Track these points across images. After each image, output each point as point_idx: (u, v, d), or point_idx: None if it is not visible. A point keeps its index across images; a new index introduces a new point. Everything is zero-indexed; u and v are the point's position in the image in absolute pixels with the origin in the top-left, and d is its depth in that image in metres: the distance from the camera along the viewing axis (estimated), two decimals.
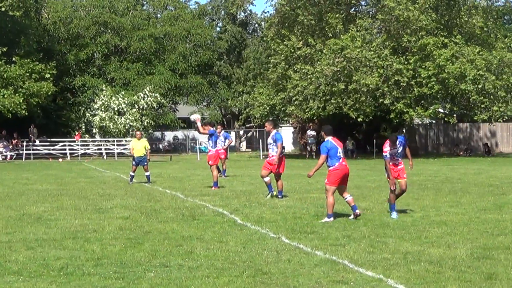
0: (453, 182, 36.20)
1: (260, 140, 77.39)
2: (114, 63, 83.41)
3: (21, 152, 70.59)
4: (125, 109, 73.98)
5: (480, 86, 64.05)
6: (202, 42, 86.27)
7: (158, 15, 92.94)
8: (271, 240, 17.41)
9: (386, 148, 21.16)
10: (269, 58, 73.52)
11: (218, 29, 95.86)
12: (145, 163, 36.32)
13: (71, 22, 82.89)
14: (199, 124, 32.13)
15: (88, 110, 77.80)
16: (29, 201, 26.68)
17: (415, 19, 64.34)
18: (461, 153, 74.62)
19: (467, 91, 64.50)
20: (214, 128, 33.75)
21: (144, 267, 13.98)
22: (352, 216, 20.96)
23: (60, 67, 75.04)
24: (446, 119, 73.65)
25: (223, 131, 36.36)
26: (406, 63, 65.43)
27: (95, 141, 76.61)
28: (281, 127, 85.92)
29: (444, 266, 13.94)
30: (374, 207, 24.00)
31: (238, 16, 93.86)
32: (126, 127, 73.25)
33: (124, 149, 72.17)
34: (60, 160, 68.43)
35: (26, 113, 67.05)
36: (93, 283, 12.64)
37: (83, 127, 78.55)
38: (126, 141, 71.18)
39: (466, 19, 67.77)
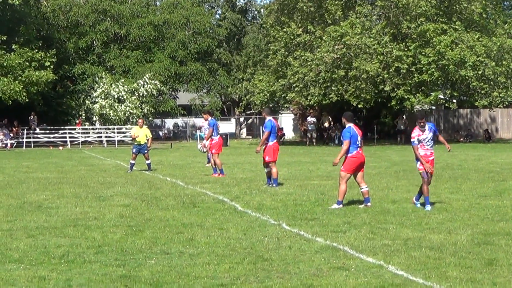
0: (453, 168, 36.22)
1: (261, 127, 76.77)
2: (114, 51, 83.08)
3: (21, 140, 70.46)
4: (125, 97, 73.69)
5: (480, 72, 64.11)
6: (202, 30, 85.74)
7: (157, 3, 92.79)
8: (271, 227, 17.43)
9: (415, 133, 20.66)
10: (269, 45, 73.49)
11: (217, 16, 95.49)
12: (146, 151, 36.29)
13: (71, 10, 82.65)
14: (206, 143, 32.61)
15: (88, 97, 77.56)
16: (30, 189, 26.73)
17: (415, 5, 64.33)
18: (461, 139, 74.56)
19: (467, 77, 64.53)
20: (213, 117, 33.51)
21: (145, 254, 13.99)
22: (362, 205, 20.98)
23: (60, 55, 74.73)
24: (446, 105, 73.74)
25: (210, 119, 35.78)
26: (406, 49, 65.38)
27: (95, 128, 76.52)
28: (281, 113, 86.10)
29: (444, 252, 13.95)
30: (375, 193, 23.95)
31: (238, 3, 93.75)
32: (126, 115, 72.99)
33: (124, 136, 72.48)
34: (61, 148, 68.41)
35: (27, 100, 67.03)
36: (94, 270, 12.64)
37: (83, 115, 78.32)
38: (126, 128, 71.22)
39: (466, 5, 67.50)
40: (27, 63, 66.96)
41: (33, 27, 73.79)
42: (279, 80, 68.67)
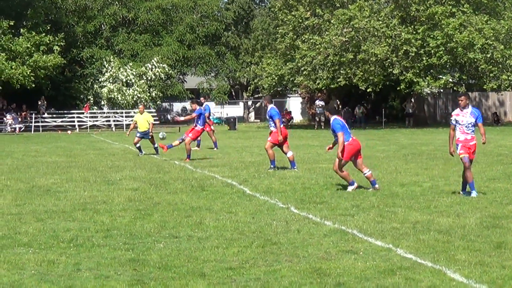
0: None
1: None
2: (122, 35, 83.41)
3: (30, 124, 70.59)
4: (133, 81, 73.84)
5: (488, 55, 64.04)
6: (210, 13, 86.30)
7: None
8: (280, 211, 17.43)
9: (454, 112, 20.01)
10: (277, 28, 73.56)
11: (225, 0, 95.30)
12: (149, 137, 36.21)
13: None
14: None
15: (96, 82, 77.73)
16: (39, 174, 26.77)
17: None
18: None
19: (475, 60, 64.46)
20: (201, 107, 32.89)
21: (154, 238, 14.00)
22: (371, 189, 20.94)
23: (68, 39, 74.99)
24: (454, 88, 73.51)
25: (205, 103, 35.37)
26: (414, 32, 65.31)
27: (103, 113, 76.56)
28: (289, 97, 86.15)
29: (453, 235, 13.93)
30: (383, 177, 24.00)
31: None
32: (134, 99, 73.00)
33: (131, 121, 72.05)
34: (69, 132, 68.56)
35: (33, 85, 67.10)
36: (102, 254, 12.63)
37: (91, 99, 78.51)
38: (134, 112, 70.86)
39: None
40: (35, 48, 66.97)
41: (41, 11, 73.95)
42: (287, 64, 68.87)
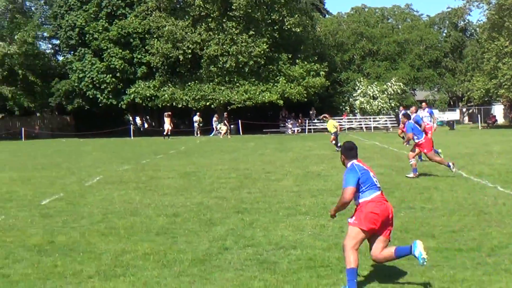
0: None
1: (478, 116, 78.46)
2: (369, 62, 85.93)
3: (304, 127, 72.34)
4: (377, 95, 75.02)
5: None
6: (432, 44, 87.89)
7: (399, 26, 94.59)
8: (489, 189, 16.94)
9: None
10: (483, 54, 72.58)
11: (443, 34, 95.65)
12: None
13: (337, 34, 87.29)
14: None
15: (351, 96, 79.55)
16: (311, 163, 27.00)
17: None
18: None
19: None
20: (410, 116, 25.65)
21: (396, 209, 13.90)
22: None
23: (330, 66, 76.22)
24: None
25: (426, 108, 31.45)
26: None
27: (357, 118, 78.05)
28: (494, 104, 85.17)
29: None
30: None
31: (459, 24, 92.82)
32: (379, 108, 74.82)
33: (378, 124, 75.18)
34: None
35: (306, 100, 69.25)
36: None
37: (348, 108, 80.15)
38: (379, 118, 73.86)
39: None
40: (306, 73, 68.73)
41: (311, 46, 75.43)
42: (492, 80, 68.45)
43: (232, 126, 67.73)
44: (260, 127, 70.11)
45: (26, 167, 28.26)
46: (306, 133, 70.05)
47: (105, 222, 13.21)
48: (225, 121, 62.89)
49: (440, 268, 9.01)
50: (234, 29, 65.77)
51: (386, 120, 74.78)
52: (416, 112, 29.09)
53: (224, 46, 65.80)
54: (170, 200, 16.32)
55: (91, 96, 70.66)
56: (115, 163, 29.40)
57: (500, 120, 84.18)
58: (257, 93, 66.71)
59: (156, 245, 10.88)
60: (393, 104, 75.00)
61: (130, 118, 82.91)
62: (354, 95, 78.06)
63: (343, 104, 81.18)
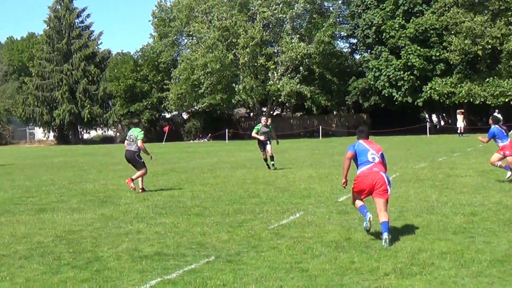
0: None
1: None
2: None
3: None
4: None
5: None
6: None
7: None
8: None
9: None
10: None
11: None
12: None
13: None
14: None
15: None
16: None
17: None
18: None
19: None
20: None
21: None
22: None
23: None
24: None
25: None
26: None
27: None
28: None
29: None
30: None
31: None
32: None
33: None
34: None
35: None
36: None
37: None
38: None
39: None
40: None
41: None
42: None
43: None
44: None
45: (324, 164, 29.27)
46: None
47: (402, 219, 13.41)
48: None
49: None
50: None
51: None
52: None
53: None
54: (467, 198, 16.18)
55: (387, 94, 71.99)
56: (411, 160, 29.73)
57: None
58: None
59: (453, 244, 10.84)
60: None
61: (426, 115, 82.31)
62: None
63: None
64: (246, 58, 72.79)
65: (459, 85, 68.74)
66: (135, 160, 19.96)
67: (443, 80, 69.47)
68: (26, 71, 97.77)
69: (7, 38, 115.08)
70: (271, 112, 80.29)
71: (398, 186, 18.93)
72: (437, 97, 69.76)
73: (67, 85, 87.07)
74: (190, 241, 11.85)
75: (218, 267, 9.78)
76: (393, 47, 71.09)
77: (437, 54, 69.52)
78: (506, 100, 66.58)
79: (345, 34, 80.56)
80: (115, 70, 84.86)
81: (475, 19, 66.39)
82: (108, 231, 13.03)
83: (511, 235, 11.51)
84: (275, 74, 73.59)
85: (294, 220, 13.74)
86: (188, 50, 78.08)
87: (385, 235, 10.96)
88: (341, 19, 78.43)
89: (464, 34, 66.57)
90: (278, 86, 73.05)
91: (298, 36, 73.57)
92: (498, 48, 66.43)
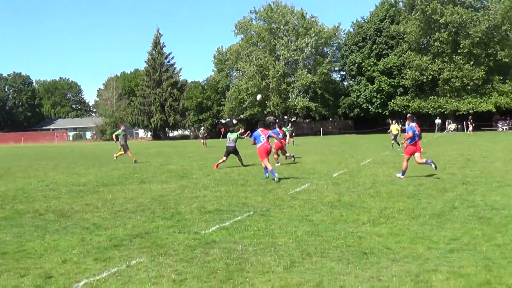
0: None
1: None
2: None
3: None
4: None
5: None
6: None
7: None
8: None
9: None
10: None
11: None
12: None
13: None
14: None
15: None
16: None
17: None
18: None
19: None
20: None
21: None
22: None
23: None
24: None
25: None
26: None
27: None
28: None
29: None
30: None
31: None
32: None
33: None
34: None
35: None
36: None
37: None
38: None
39: None
40: None
41: None
42: None
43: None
44: None
45: (323, 153, 28.94)
46: None
47: (373, 188, 13.16)
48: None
49: None
50: None
51: None
52: None
53: None
54: (416, 175, 15.81)
55: (365, 107, 71.63)
56: (379, 150, 29.20)
57: None
58: None
59: (407, 204, 10.64)
60: None
61: (390, 121, 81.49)
62: None
63: None
64: (274, 85, 72.74)
65: (411, 101, 68.45)
66: (235, 151, 20.96)
67: (402, 98, 68.97)
68: (133, 93, 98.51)
69: (121, 72, 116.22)
70: (290, 119, 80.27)
71: (371, 167, 18.60)
72: (398, 109, 69.23)
73: (159, 102, 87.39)
74: (237, 202, 11.58)
75: (255, 218, 9.61)
76: (369, 77, 70.74)
77: (397, 81, 69.02)
78: (442, 111, 66.24)
79: (338, 68, 79.97)
80: (190, 92, 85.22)
81: (422, 59, 66.14)
82: (185, 195, 12.79)
83: (445, 198, 11.30)
84: (293, 95, 73.51)
85: (304, 189, 13.41)
86: (236, 80, 78.18)
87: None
88: (335, 59, 77.95)
89: (415, 68, 66.29)
90: (295, 102, 72.99)
91: (307, 70, 73.25)
92: (437, 77, 65.82)
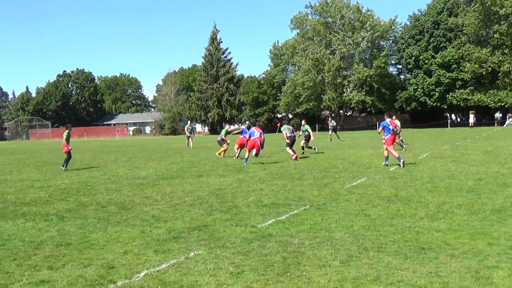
0: None
1: None
2: None
3: None
4: None
5: None
6: None
7: None
8: None
9: None
10: None
11: None
12: None
13: None
14: None
15: None
16: None
17: None
18: None
19: None
20: None
21: None
22: None
23: None
24: None
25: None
26: None
27: None
28: None
29: None
30: None
31: None
32: None
33: None
34: None
35: None
36: None
37: None
38: None
39: None
40: None
41: None
42: None
43: None
44: None
45: (379, 146, 28.42)
46: None
47: (431, 183, 12.99)
48: None
49: None
50: None
51: None
52: None
53: None
54: (475, 169, 15.61)
55: (422, 101, 70.18)
56: (437, 144, 28.89)
57: None
58: None
59: (466, 199, 10.46)
60: None
61: (448, 115, 79.51)
62: None
63: None
64: (329, 79, 72.20)
65: (471, 95, 66.57)
66: (295, 141, 22.34)
67: (460, 91, 67.24)
68: (190, 88, 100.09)
69: (180, 68, 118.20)
70: (346, 114, 79.51)
71: (429, 161, 18.42)
72: (456, 102, 67.64)
73: (216, 97, 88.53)
74: (293, 195, 11.62)
75: (311, 212, 9.63)
76: (426, 70, 69.33)
77: (456, 74, 67.31)
78: (502, 104, 64.23)
79: (394, 62, 78.73)
80: (246, 87, 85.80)
81: (481, 51, 64.18)
82: (242, 189, 12.89)
83: (506, 193, 11.09)
84: (349, 89, 72.79)
85: (360, 183, 13.38)
86: (292, 74, 78.05)
87: None
88: (391, 52, 76.62)
89: (474, 61, 64.49)
90: (350, 96, 72.27)
91: (363, 64, 72.43)
92: (497, 69, 63.86)
